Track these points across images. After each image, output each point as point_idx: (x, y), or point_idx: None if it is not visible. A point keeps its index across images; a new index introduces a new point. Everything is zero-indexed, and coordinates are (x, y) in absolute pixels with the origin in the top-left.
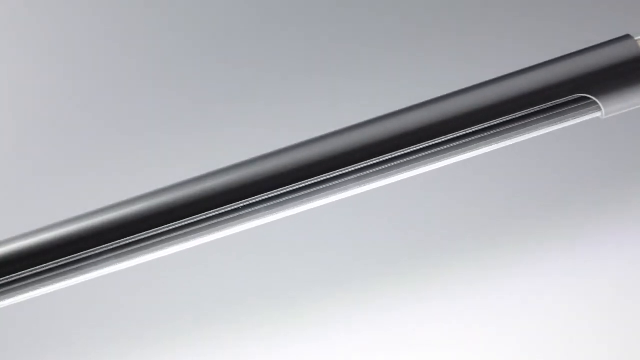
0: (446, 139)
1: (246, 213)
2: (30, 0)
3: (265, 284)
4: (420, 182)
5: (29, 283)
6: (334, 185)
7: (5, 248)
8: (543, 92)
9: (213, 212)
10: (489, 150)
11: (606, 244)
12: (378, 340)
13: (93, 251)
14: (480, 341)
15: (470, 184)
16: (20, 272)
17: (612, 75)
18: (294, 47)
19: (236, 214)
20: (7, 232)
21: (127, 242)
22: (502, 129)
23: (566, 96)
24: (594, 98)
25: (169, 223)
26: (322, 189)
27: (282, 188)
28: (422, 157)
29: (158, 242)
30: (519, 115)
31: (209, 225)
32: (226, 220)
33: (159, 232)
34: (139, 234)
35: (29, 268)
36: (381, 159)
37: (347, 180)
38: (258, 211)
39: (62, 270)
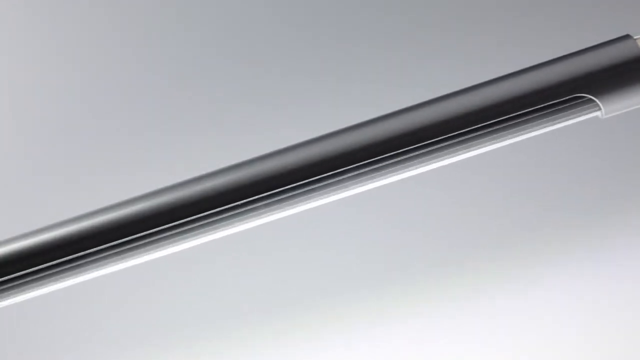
0: (446, 138)
1: (246, 213)
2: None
3: (266, 284)
4: (420, 182)
5: (29, 283)
6: (334, 185)
7: (5, 248)
8: (543, 92)
9: (213, 212)
10: (489, 150)
11: (606, 243)
12: (379, 344)
13: (93, 251)
14: (482, 342)
15: (470, 184)
16: (20, 272)
17: (612, 75)
18: (295, 46)
19: (236, 214)
20: (7, 232)
21: (127, 242)
22: (502, 128)
23: (566, 96)
24: (593, 98)
25: (169, 223)
26: (323, 188)
27: (282, 188)
28: (422, 157)
29: (158, 242)
30: (519, 115)
31: (209, 225)
32: (226, 220)
33: (159, 232)
34: (139, 234)
35: (29, 268)
36: (381, 159)
37: (347, 180)
38: (258, 211)
39: (62, 270)
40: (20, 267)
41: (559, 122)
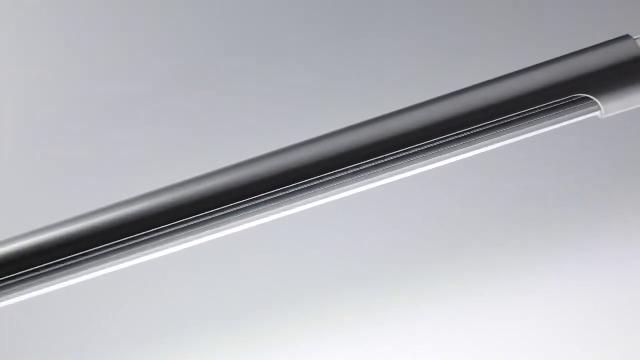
0: (446, 138)
1: (246, 213)
2: None
3: (266, 284)
4: (420, 182)
5: (29, 283)
6: (334, 185)
7: (5, 248)
8: (543, 92)
9: (213, 212)
10: (489, 150)
11: (607, 243)
12: (379, 344)
13: (93, 251)
14: (482, 342)
15: (470, 184)
16: (20, 272)
17: (612, 75)
18: (295, 46)
19: (236, 214)
20: (7, 232)
21: (127, 242)
22: (502, 128)
23: (566, 96)
24: (593, 98)
25: (169, 223)
26: (323, 188)
27: (282, 188)
28: (422, 156)
29: (158, 242)
30: (519, 115)
31: (209, 225)
32: (226, 220)
33: (159, 232)
34: (139, 234)
35: (29, 268)
36: (381, 159)
37: (347, 180)
38: (258, 211)
39: (62, 270)
40: (20, 267)
41: (558, 122)
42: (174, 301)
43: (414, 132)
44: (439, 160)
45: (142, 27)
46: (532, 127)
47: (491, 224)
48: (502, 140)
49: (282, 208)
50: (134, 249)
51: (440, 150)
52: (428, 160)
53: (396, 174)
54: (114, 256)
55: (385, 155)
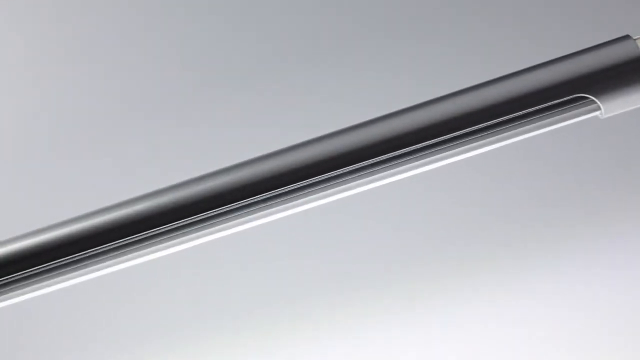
0: (446, 138)
1: (246, 213)
2: None
3: (266, 284)
4: (420, 183)
5: (29, 283)
6: (335, 185)
7: (5, 248)
8: (543, 92)
9: (213, 212)
10: (489, 150)
11: (607, 243)
12: (379, 344)
13: (93, 251)
14: (481, 342)
15: (470, 184)
16: (20, 272)
17: (612, 75)
18: (295, 46)
19: (236, 214)
20: (7, 232)
21: (127, 242)
22: (501, 128)
23: (566, 96)
24: (593, 98)
25: (169, 223)
26: (323, 188)
27: (282, 188)
28: (422, 157)
29: (158, 242)
30: (519, 115)
31: (209, 225)
32: (226, 220)
33: (159, 232)
34: (139, 234)
35: (29, 268)
36: (381, 159)
37: (347, 180)
38: (258, 210)
39: (62, 270)
40: (20, 267)
41: (558, 122)
42: (174, 301)
43: (414, 132)
44: (439, 160)
45: (142, 23)
46: (532, 127)
47: (491, 224)
48: (502, 140)
49: (282, 208)
50: (134, 249)
51: (440, 150)
52: (428, 160)
53: (396, 174)
54: (114, 256)
55: (385, 155)
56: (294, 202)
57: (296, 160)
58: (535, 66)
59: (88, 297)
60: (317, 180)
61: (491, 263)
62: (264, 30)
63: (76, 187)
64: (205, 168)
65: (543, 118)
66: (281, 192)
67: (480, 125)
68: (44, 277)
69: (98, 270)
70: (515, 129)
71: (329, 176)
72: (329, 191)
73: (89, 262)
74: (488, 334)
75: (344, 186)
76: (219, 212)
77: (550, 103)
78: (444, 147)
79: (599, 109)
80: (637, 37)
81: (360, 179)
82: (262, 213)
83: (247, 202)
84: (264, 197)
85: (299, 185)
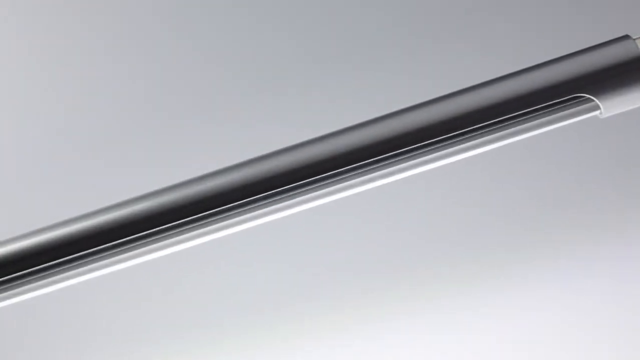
0: (446, 138)
1: (246, 213)
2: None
3: (267, 284)
4: (420, 183)
5: (29, 283)
6: (335, 185)
7: (5, 248)
8: (542, 92)
9: (213, 212)
10: (489, 150)
11: (608, 243)
12: (379, 345)
13: (93, 251)
14: (481, 343)
15: (469, 184)
16: (20, 272)
17: (611, 75)
18: (297, 46)
19: (236, 214)
20: (7, 232)
21: (127, 242)
22: (501, 128)
23: (565, 96)
24: (593, 98)
25: (169, 223)
26: (323, 188)
27: (282, 188)
28: (422, 157)
29: (158, 242)
30: (518, 115)
31: (209, 225)
32: (226, 220)
33: (159, 232)
34: (139, 234)
35: (29, 268)
36: (381, 159)
37: (347, 180)
38: (258, 210)
39: (62, 270)
40: (20, 267)
41: (558, 122)
42: (174, 302)
43: (413, 132)
44: (438, 160)
45: (141, 24)
46: (531, 127)
47: (491, 224)
48: (502, 140)
49: (282, 208)
50: (134, 249)
51: (440, 150)
52: (427, 161)
53: (396, 174)
54: (114, 256)
55: (385, 155)
56: (294, 201)
57: (295, 160)
58: (535, 66)
59: (88, 297)
60: (317, 180)
61: (491, 264)
62: (265, 30)
63: (76, 187)
64: (205, 168)
65: (543, 118)
66: (281, 192)
67: (480, 125)
68: (44, 277)
69: (98, 270)
70: (515, 128)
71: (328, 176)
72: (328, 189)
73: (89, 262)
74: (488, 334)
75: (344, 184)
76: (219, 212)
77: (550, 103)
78: (443, 146)
79: (598, 108)
80: (637, 37)
81: (359, 179)
82: (262, 211)
83: (247, 202)
84: (264, 197)
85: (298, 185)
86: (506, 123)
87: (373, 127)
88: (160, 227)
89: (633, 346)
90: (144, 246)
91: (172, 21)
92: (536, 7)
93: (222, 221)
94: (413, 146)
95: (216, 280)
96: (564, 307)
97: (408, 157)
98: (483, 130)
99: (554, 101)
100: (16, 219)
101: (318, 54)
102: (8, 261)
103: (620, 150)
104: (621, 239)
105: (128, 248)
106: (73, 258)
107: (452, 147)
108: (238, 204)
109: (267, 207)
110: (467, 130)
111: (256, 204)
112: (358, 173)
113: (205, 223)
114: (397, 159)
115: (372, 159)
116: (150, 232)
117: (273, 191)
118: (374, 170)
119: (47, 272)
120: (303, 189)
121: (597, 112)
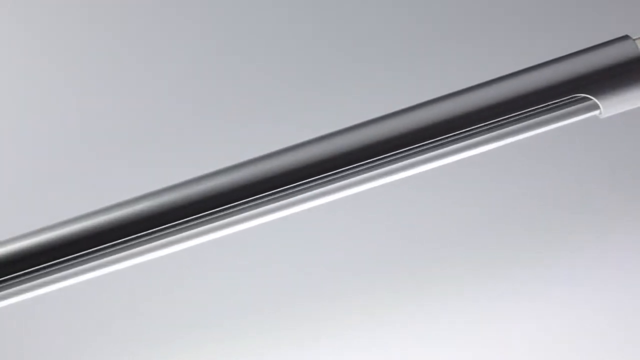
0: (446, 138)
1: (246, 213)
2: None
3: (267, 285)
4: (419, 182)
5: (29, 283)
6: (335, 184)
7: (5, 248)
8: (542, 91)
9: (213, 212)
10: (489, 150)
11: (608, 244)
12: (379, 345)
13: (93, 251)
14: (481, 343)
15: (469, 183)
16: (20, 272)
17: (611, 75)
18: (296, 47)
19: (236, 214)
20: (7, 232)
21: (127, 242)
22: (501, 128)
23: (565, 96)
24: (592, 98)
25: (169, 223)
26: (323, 188)
27: (282, 188)
28: (421, 156)
29: (158, 242)
30: (518, 114)
31: (209, 225)
32: (226, 220)
33: (159, 232)
34: (139, 234)
35: (29, 268)
36: (381, 159)
37: (347, 180)
38: (258, 210)
39: (62, 270)
40: (20, 267)
41: (558, 122)
42: (174, 302)
43: (413, 132)
44: (438, 160)
45: (142, 26)
46: (530, 127)
47: (490, 224)
48: (501, 140)
49: (282, 208)
50: (134, 249)
51: (440, 150)
52: (427, 160)
53: (395, 174)
54: (114, 256)
55: (385, 155)
56: (294, 200)
57: (294, 160)
58: (535, 66)
59: (88, 297)
60: (317, 180)
61: (490, 264)
62: (265, 30)
63: (76, 187)
64: (205, 168)
65: (542, 118)
66: (281, 191)
67: (480, 125)
68: (43, 277)
69: (98, 270)
70: (515, 128)
71: (328, 176)
72: (329, 189)
73: (89, 262)
74: (487, 335)
75: (344, 183)
76: (219, 212)
77: (550, 102)
78: (443, 146)
79: (598, 108)
80: (637, 37)
81: (359, 179)
82: (262, 211)
83: (247, 202)
84: (264, 197)
85: (298, 185)
86: (506, 123)
87: (373, 127)
88: (160, 227)
89: (634, 346)
90: (144, 246)
91: (172, 21)
92: (536, 7)
93: (223, 221)
94: (413, 146)
95: (216, 280)
96: (564, 307)
97: (408, 156)
98: (483, 130)
99: (554, 101)
100: (16, 219)
101: (318, 54)
102: (8, 261)
103: (620, 150)
104: (621, 239)
105: (128, 248)
106: (73, 258)
107: (452, 147)
108: (238, 204)
109: (267, 207)
110: (467, 130)
111: (256, 204)
112: (358, 173)
113: (205, 223)
114: (396, 158)
115: (372, 159)
116: (150, 232)
117: (273, 191)
118: (374, 170)
119: (47, 272)
120: (303, 189)
121: (596, 112)
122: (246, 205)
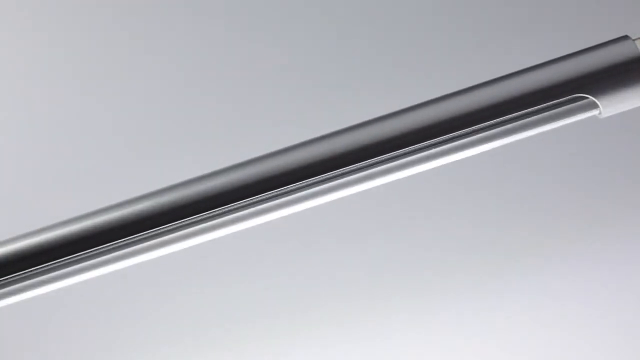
0: (446, 138)
1: (246, 212)
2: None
3: (267, 285)
4: (418, 182)
5: (29, 283)
6: (335, 184)
7: (5, 248)
8: (542, 91)
9: (213, 212)
10: (488, 150)
11: (608, 244)
12: (379, 346)
13: (93, 251)
14: (481, 344)
15: (468, 183)
16: (20, 272)
17: (610, 75)
18: (296, 47)
19: (236, 214)
20: (7, 232)
21: (127, 242)
22: (501, 128)
23: (565, 96)
24: (592, 98)
25: (169, 223)
26: (323, 187)
27: (282, 188)
28: (421, 156)
29: (158, 242)
30: (517, 114)
31: (209, 225)
32: (226, 220)
33: (159, 232)
34: (139, 234)
35: (29, 268)
36: (380, 159)
37: (348, 179)
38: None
39: (62, 270)
40: (20, 267)
41: (557, 122)
42: (174, 302)
43: (413, 132)
44: (437, 160)
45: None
46: (530, 127)
47: (490, 223)
48: (500, 140)
49: (282, 207)
50: (134, 249)
51: (439, 150)
52: (426, 160)
53: (395, 174)
54: (114, 256)
55: (384, 155)
56: (294, 199)
57: (294, 160)
58: (535, 66)
59: (88, 297)
60: (317, 179)
61: (490, 264)
62: (265, 30)
63: (76, 187)
64: (205, 168)
65: (542, 118)
66: (281, 191)
67: (480, 125)
68: (43, 277)
69: (98, 270)
70: (515, 128)
71: (327, 176)
72: (329, 189)
73: (89, 262)
74: (487, 335)
75: (344, 182)
76: (219, 212)
77: (549, 102)
78: (442, 147)
79: (597, 108)
80: (637, 37)
81: (359, 179)
82: (262, 211)
83: (247, 202)
84: (263, 197)
85: (298, 185)
86: (506, 122)
87: (373, 127)
88: (160, 227)
89: (634, 347)
90: (144, 246)
91: (171, 21)
92: (536, 7)
93: (223, 221)
94: (413, 146)
95: (217, 281)
96: (563, 307)
97: (408, 156)
98: (483, 130)
99: (554, 101)
100: (16, 219)
101: (318, 54)
102: (8, 261)
103: (620, 150)
104: (621, 239)
105: (128, 248)
106: (73, 258)
107: (452, 146)
108: (238, 204)
109: (267, 207)
110: (467, 130)
111: (256, 204)
112: (358, 173)
113: (205, 223)
114: (396, 158)
115: (372, 159)
116: (150, 232)
117: (273, 191)
118: (374, 169)
119: (47, 272)
120: (303, 189)
121: (596, 112)
122: (246, 205)
